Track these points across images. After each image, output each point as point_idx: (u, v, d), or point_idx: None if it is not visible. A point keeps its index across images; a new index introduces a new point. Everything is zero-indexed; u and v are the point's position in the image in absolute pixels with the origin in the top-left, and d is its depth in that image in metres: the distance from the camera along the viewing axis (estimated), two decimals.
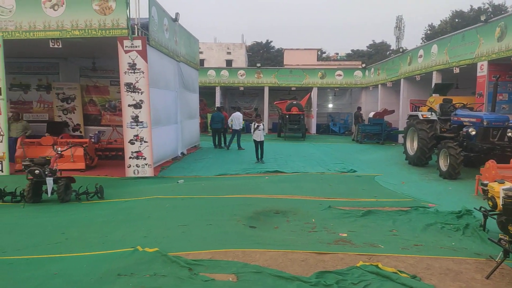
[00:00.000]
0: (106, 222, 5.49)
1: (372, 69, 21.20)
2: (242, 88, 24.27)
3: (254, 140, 11.16)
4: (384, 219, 5.55)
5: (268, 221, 5.46)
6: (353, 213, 5.76)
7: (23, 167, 6.50)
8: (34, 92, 13.22)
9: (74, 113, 12.81)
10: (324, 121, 24.33)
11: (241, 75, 23.82)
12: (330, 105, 26.23)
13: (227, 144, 14.71)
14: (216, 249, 4.27)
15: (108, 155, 11.37)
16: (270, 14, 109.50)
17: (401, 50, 22.65)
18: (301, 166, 10.60)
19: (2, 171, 9.06)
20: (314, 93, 22.83)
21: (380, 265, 3.81)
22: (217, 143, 15.07)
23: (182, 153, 12.40)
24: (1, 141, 9.07)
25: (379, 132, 16.82)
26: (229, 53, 41.06)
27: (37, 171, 6.34)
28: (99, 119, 13.07)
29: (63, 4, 8.88)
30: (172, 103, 11.61)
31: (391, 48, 53.03)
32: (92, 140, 10.78)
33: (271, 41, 54.82)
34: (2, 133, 9.06)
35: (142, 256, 4.08)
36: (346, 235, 4.82)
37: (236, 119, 14.51)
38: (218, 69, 24.61)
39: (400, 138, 15.92)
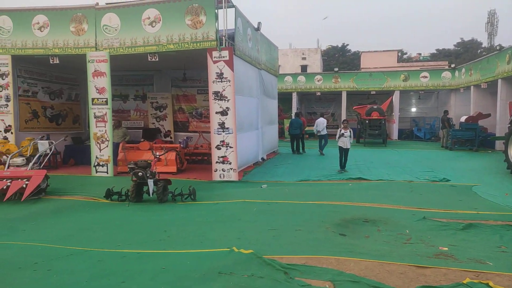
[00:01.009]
0: (201, 222, 5.86)
1: (463, 70, 19.53)
2: (319, 94, 24.09)
3: (340, 147, 10.63)
4: (489, 234, 5.09)
5: (358, 230, 5.35)
6: (452, 226, 5.38)
7: (128, 169, 7.23)
8: (132, 102, 14.65)
9: (165, 120, 13.91)
10: (407, 126, 23.01)
11: (318, 80, 23.67)
12: (414, 109, 24.72)
13: (320, 149, 14.71)
14: (309, 254, 4.32)
15: (195, 160, 12.11)
16: (346, 16, 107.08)
17: (497, 47, 20.56)
18: (386, 173, 10.17)
19: (107, 173, 10.16)
20: (396, 97, 21.76)
21: (491, 283, 3.52)
22: (295, 149, 15.16)
23: (262, 159, 12.71)
24: (107, 146, 10.20)
25: (472, 138, 15.41)
26: (304, 58, 41.01)
27: (140, 173, 7.00)
28: (187, 125, 14.00)
29: (160, 21, 9.72)
30: (254, 110, 11.99)
31: (483, 45, 48.33)
32: (181, 145, 11.58)
33: (347, 45, 53.61)
34: (108, 138, 10.19)
35: (239, 257, 4.30)
36: (447, 249, 4.52)
37: (321, 124, 14.51)
38: (294, 75, 24.76)
39: (498, 144, 14.42)
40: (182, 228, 5.59)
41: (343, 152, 10.59)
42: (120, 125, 12.81)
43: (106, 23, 10.02)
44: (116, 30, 10.00)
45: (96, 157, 10.21)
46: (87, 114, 14.01)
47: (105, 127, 10.18)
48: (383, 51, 40.02)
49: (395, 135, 21.71)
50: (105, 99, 10.17)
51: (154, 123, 14.03)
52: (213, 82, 9.54)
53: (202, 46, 9.50)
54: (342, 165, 10.67)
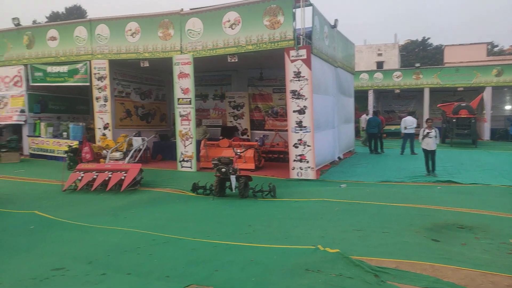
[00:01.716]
0: (283, 219, 5.96)
1: None
2: (398, 91, 22.89)
3: (424, 150, 9.73)
4: None
5: (452, 236, 5.00)
6: None
7: (212, 165, 7.61)
8: (211, 101, 15.36)
9: (242, 118, 14.36)
10: (501, 125, 20.82)
11: (396, 77, 22.52)
12: (509, 107, 22.28)
13: (403, 149, 14.06)
14: (401, 259, 4.16)
15: (271, 157, 12.31)
16: (426, 9, 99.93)
17: None
18: (479, 176, 9.33)
19: (191, 168, 10.80)
20: (487, 93, 19.82)
21: None
22: (372, 148, 14.61)
23: (339, 158, 12.47)
24: (191, 143, 10.84)
25: None
26: (380, 54, 39.22)
27: (223, 169, 7.33)
28: (263, 124, 14.29)
29: (239, 23, 10.04)
30: (330, 108, 11.82)
31: None
32: (258, 143, 11.84)
33: (428, 38, 49.95)
34: (191, 136, 10.82)
35: (325, 255, 4.29)
36: None
37: (409, 123, 13.84)
38: (371, 72, 23.83)
39: None
40: (266, 223, 5.74)
41: (429, 154, 9.65)
42: (200, 123, 13.51)
43: (190, 28, 10.63)
44: (199, 34, 10.55)
45: (181, 153, 10.90)
46: (172, 113, 15.05)
47: (189, 125, 10.82)
48: (470, 44, 36.57)
49: (486, 135, 19.80)
50: (189, 99, 10.80)
51: (231, 121, 14.56)
52: (291, 81, 9.60)
53: (280, 46, 9.61)
54: (430, 169, 9.70)
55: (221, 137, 12.73)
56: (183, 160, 10.92)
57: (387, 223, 5.51)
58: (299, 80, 9.52)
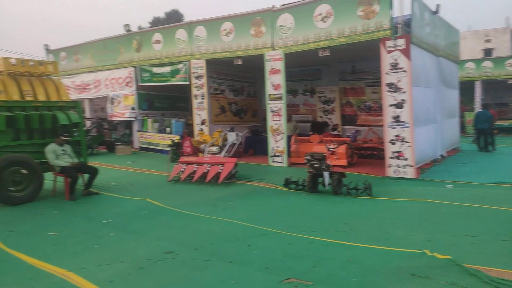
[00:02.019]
0: (382, 218, 5.68)
1: None
2: (511, 81, 20.15)
3: None
4: None
5: None
6: None
7: (305, 161, 7.59)
8: (301, 96, 15.32)
9: (333, 113, 14.05)
10: None
11: (509, 65, 19.81)
12: None
13: None
14: None
15: (364, 154, 11.83)
16: None
17: None
18: None
19: (282, 163, 10.93)
20: None
21: None
22: (482, 146, 13.09)
23: (442, 156, 11.44)
24: (282, 138, 10.96)
25: None
26: (488, 40, 34.83)
27: (316, 165, 7.26)
28: (355, 119, 13.79)
29: (331, 15, 9.80)
30: (432, 102, 10.87)
31: None
32: (350, 139, 11.47)
33: None
34: (282, 131, 10.94)
35: (433, 261, 3.98)
36: None
37: None
38: (478, 61, 21.33)
39: None
40: (363, 222, 5.53)
41: None
42: (290, 119, 13.56)
43: (282, 24, 10.70)
44: (290, 29, 10.57)
45: (273, 148, 11.10)
46: (263, 109, 15.41)
47: (280, 120, 10.95)
48: None
49: None
50: (280, 95, 10.91)
51: (321, 116, 14.34)
52: (387, 73, 9.07)
53: (375, 36, 9.14)
54: None
55: (311, 133, 12.64)
56: (274, 155, 11.11)
57: (505, 230, 4.89)
58: (396, 72, 8.96)
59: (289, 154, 11.15)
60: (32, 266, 4.01)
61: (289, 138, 11.39)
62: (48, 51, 18.48)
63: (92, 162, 8.72)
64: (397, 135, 9.01)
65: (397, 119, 9.00)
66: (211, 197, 7.25)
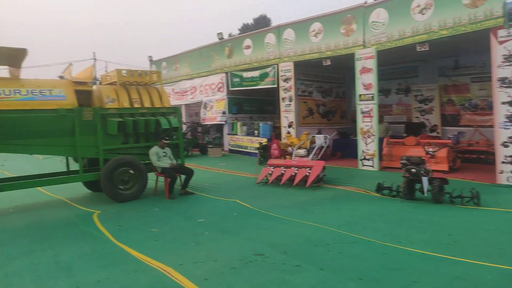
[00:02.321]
0: (492, 231, 5.01)
1: None
2: None
3: None
4: None
5: None
6: None
7: (400, 165, 7.07)
8: (394, 96, 14.40)
9: (431, 113, 12.90)
10: None
11: None
12: None
13: None
14: None
15: (469, 158, 10.62)
16: None
17: None
18: None
19: (373, 167, 10.38)
20: None
21: None
22: None
23: None
24: (373, 141, 10.42)
25: None
26: None
27: (413, 170, 6.71)
28: (457, 119, 12.47)
29: (431, 6, 9.01)
30: None
31: None
32: (452, 141, 10.39)
33: None
34: (373, 133, 10.39)
35: None
36: None
37: None
38: None
39: None
40: (470, 235, 4.94)
41: None
42: (382, 120, 12.84)
43: (374, 19, 10.19)
44: (383, 24, 10.00)
45: (362, 151, 10.62)
46: (352, 110, 14.89)
47: (371, 122, 10.42)
48: None
49: None
50: (372, 95, 10.38)
51: (418, 117, 13.28)
52: (499, 66, 8.02)
53: (484, 26, 8.15)
54: None
55: (405, 135, 11.80)
56: (364, 159, 10.60)
57: None
58: (510, 65, 7.87)
59: (381, 158, 10.54)
60: (137, 259, 4.40)
61: (380, 140, 10.78)
62: (152, 61, 20.45)
63: (187, 164, 9.32)
64: (511, 137, 7.90)
65: (511, 118, 7.90)
66: (299, 201, 7.19)
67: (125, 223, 5.92)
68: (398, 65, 13.86)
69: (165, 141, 7.87)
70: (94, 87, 7.88)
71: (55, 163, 12.90)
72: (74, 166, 8.27)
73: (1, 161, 13.81)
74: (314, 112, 13.77)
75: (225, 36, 16.13)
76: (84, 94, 7.61)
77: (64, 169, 8.55)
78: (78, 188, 8.66)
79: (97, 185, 8.01)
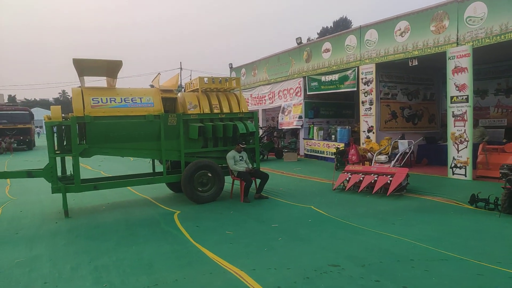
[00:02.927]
0: None
1: None
2: None
3: None
4: None
5: None
6: None
7: (500, 174, 6.24)
8: (492, 97, 12.87)
9: None
10: None
11: None
12: None
13: None
14: None
15: None
16: None
17: None
18: None
19: (465, 176, 9.35)
20: None
21: None
22: None
23: None
24: (466, 147, 9.39)
25: None
26: None
27: None
28: None
29: None
30: None
31: None
32: None
33: None
34: (467, 139, 9.36)
35: None
36: None
37: None
38: None
39: None
40: None
41: None
42: (477, 124, 11.55)
43: (470, 14, 9.21)
44: (481, 19, 8.99)
45: (454, 158, 9.62)
46: (442, 113, 13.69)
47: (464, 126, 9.41)
48: None
49: None
50: (465, 97, 9.38)
51: None
52: None
53: None
54: None
55: (505, 140, 10.47)
56: (455, 166, 9.59)
57: None
58: None
59: (475, 166, 9.45)
60: (212, 261, 4.50)
61: (475, 146, 9.67)
62: (231, 68, 21.21)
63: (263, 168, 9.38)
64: None
65: None
66: (378, 210, 6.74)
67: (202, 224, 6.13)
68: (498, 63, 12.38)
69: (241, 146, 8.02)
70: (179, 94, 8.36)
71: (143, 164, 14.01)
72: (159, 168, 8.85)
73: (98, 162, 15.43)
74: (398, 115, 12.90)
75: (304, 41, 16.00)
76: (169, 101, 8.13)
77: (150, 170, 9.22)
78: (161, 189, 9.25)
79: (178, 186, 8.48)
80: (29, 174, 7.10)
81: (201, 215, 6.78)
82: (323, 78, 14.04)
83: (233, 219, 6.46)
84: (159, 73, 8.49)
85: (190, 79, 9.84)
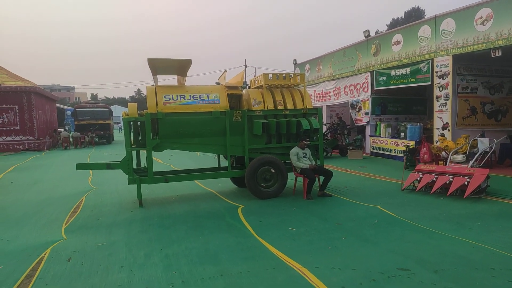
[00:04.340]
0: None
1: None
2: None
3: None
4: None
5: None
6: None
7: None
8: None
9: None
10: None
11: None
12: None
13: None
14: None
15: None
16: None
17: None
18: None
19: None
20: None
21: None
22: None
23: None
24: None
25: None
26: None
27: None
28: None
29: None
30: None
31: None
32: None
33: None
34: None
35: None
36: None
37: None
38: None
39: None
40: None
41: None
42: None
43: None
44: None
45: None
46: None
47: None
48: None
49: None
50: None
51: None
52: None
53: None
54: None
55: None
56: None
57: None
58: None
59: None
60: (275, 256, 4.53)
61: None
62: (295, 64, 21.08)
63: (326, 165, 9.20)
64: None
65: None
66: (453, 213, 6.25)
67: (265, 220, 6.19)
68: None
69: (305, 142, 7.94)
70: (244, 91, 8.51)
71: (208, 159, 14.54)
72: (224, 163, 9.12)
73: (168, 156, 16.33)
74: (478, 111, 11.79)
75: (372, 34, 15.33)
76: (235, 98, 8.31)
77: (215, 165, 9.54)
78: (226, 183, 9.52)
79: (242, 181, 8.67)
80: (109, 166, 7.75)
81: (264, 210, 6.85)
82: (392, 72, 13.35)
83: (296, 215, 6.43)
84: (225, 70, 8.72)
85: (254, 76, 9.95)
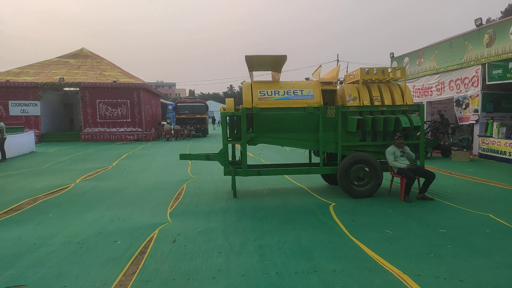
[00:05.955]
0: None
1: None
2: None
3: None
4: None
5: None
6: None
7: None
8: None
9: None
10: None
11: None
12: None
13: None
14: None
15: None
16: None
17: None
18: None
19: None
20: None
21: None
22: None
23: None
24: None
25: None
26: None
27: None
28: None
29: None
30: None
31: None
32: None
33: None
34: None
35: None
36: None
37: None
38: None
39: None
40: None
41: None
42: None
43: None
44: None
45: None
46: None
47: None
48: None
49: None
50: None
51: None
52: None
53: None
54: None
55: None
56: None
57: None
58: None
59: None
60: (370, 257, 4.35)
61: None
62: (392, 58, 19.88)
63: (426, 166, 8.52)
64: None
65: None
66: None
67: (359, 219, 5.99)
68: None
69: (397, 140, 7.46)
70: (338, 86, 8.32)
71: (297, 155, 14.56)
72: (315, 159, 9.04)
73: (258, 150, 16.78)
74: None
75: (483, 22, 13.66)
76: (329, 93, 8.17)
77: (306, 161, 9.52)
78: (316, 179, 9.44)
79: (333, 178, 8.51)
80: (208, 157, 8.27)
81: (357, 209, 6.64)
82: (510, 65, 11.74)
83: (392, 218, 6.09)
84: (320, 65, 8.61)
85: (347, 71, 9.63)
